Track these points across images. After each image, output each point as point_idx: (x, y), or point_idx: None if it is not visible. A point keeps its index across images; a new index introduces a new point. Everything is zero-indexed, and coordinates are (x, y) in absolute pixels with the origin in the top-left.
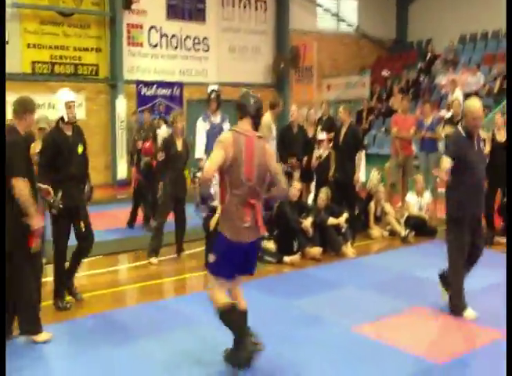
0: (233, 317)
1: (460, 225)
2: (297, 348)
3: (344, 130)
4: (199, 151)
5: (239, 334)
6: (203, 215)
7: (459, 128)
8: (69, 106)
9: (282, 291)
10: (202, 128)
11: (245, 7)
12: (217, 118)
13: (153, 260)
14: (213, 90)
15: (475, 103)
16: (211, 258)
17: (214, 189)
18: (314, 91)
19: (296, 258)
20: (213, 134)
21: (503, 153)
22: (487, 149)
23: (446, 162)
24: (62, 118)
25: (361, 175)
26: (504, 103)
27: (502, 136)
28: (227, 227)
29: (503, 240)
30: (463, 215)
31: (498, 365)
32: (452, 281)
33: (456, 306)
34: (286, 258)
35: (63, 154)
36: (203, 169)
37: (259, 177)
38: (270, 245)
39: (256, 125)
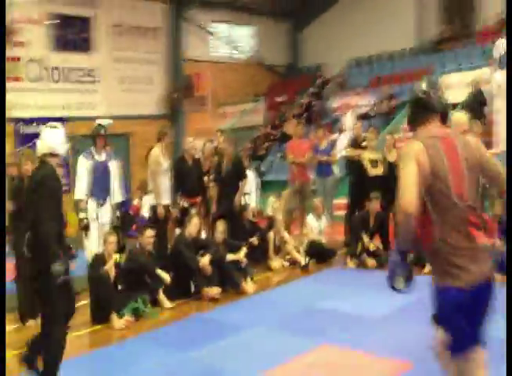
0: None
1: None
2: None
3: (226, 160)
4: (79, 192)
5: None
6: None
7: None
8: None
9: (180, 342)
10: (83, 166)
11: (135, 36)
12: (102, 156)
13: None
14: (99, 125)
15: (462, 116)
16: (442, 333)
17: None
18: (210, 120)
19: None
20: (97, 173)
21: (395, 173)
22: (381, 170)
23: None
24: None
25: (252, 202)
26: (392, 122)
27: (392, 157)
28: (445, 273)
29: None
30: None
31: None
32: None
33: None
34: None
35: None
36: (401, 202)
37: (471, 188)
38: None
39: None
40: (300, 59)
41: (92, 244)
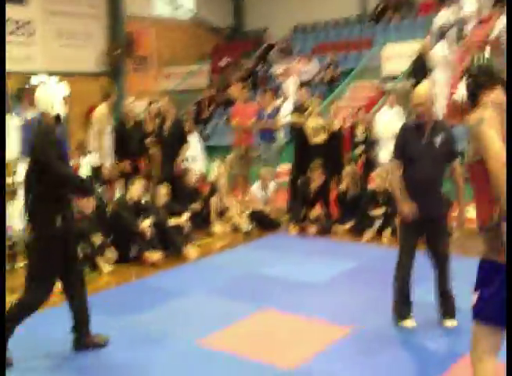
0: None
1: (405, 225)
2: (142, 373)
3: (168, 123)
4: (9, 152)
5: None
6: None
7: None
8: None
9: (119, 307)
10: (13, 124)
11: None
12: (31, 113)
13: None
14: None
15: (419, 89)
16: (479, 297)
17: None
18: (152, 80)
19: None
20: (26, 131)
21: (338, 140)
22: (322, 137)
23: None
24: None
25: (197, 166)
26: (337, 89)
27: (335, 123)
28: (497, 247)
29: (342, 228)
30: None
31: (349, 363)
32: (394, 286)
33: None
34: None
35: None
36: (495, 153)
37: None
38: (109, 254)
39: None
40: (245, 23)
41: (16, 213)
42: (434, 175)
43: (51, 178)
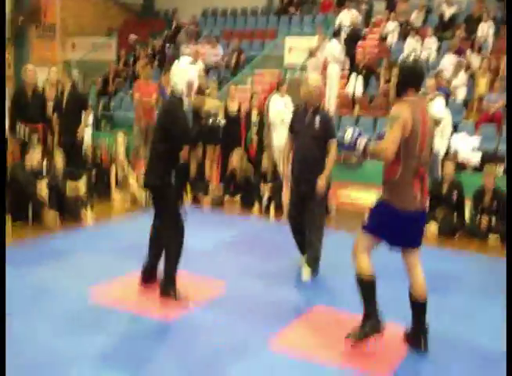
0: (372, 292)
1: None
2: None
3: (65, 93)
4: None
5: (369, 308)
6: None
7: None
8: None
9: (13, 264)
10: None
11: None
12: None
13: None
14: None
15: (308, 78)
16: (369, 219)
17: None
18: (57, 49)
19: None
20: None
21: (235, 123)
22: (219, 117)
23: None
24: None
25: (86, 136)
26: (238, 74)
27: (233, 107)
28: (397, 198)
29: (232, 200)
30: (293, 185)
31: (222, 312)
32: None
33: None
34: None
35: None
36: (384, 152)
37: (428, 146)
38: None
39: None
40: (156, 2)
41: None
42: (314, 150)
43: None
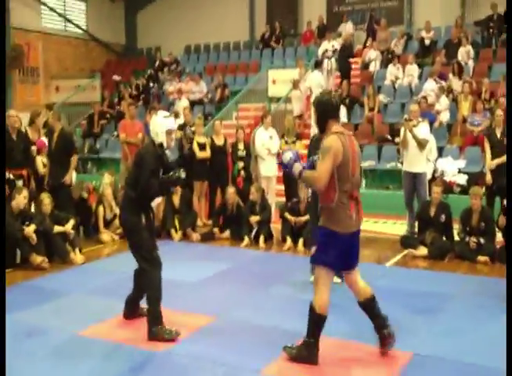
0: (319, 326)
1: None
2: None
3: (55, 136)
4: None
5: (313, 337)
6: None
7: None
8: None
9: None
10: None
11: None
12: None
13: None
14: None
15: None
16: (317, 249)
17: None
18: (41, 93)
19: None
20: None
21: (222, 156)
22: (208, 153)
23: None
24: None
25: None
26: (223, 109)
27: (220, 140)
28: (337, 223)
29: (222, 234)
30: None
31: (212, 344)
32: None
33: None
34: None
35: None
36: (317, 183)
37: (358, 170)
38: None
39: None
40: (137, 41)
41: None
42: None
43: None
